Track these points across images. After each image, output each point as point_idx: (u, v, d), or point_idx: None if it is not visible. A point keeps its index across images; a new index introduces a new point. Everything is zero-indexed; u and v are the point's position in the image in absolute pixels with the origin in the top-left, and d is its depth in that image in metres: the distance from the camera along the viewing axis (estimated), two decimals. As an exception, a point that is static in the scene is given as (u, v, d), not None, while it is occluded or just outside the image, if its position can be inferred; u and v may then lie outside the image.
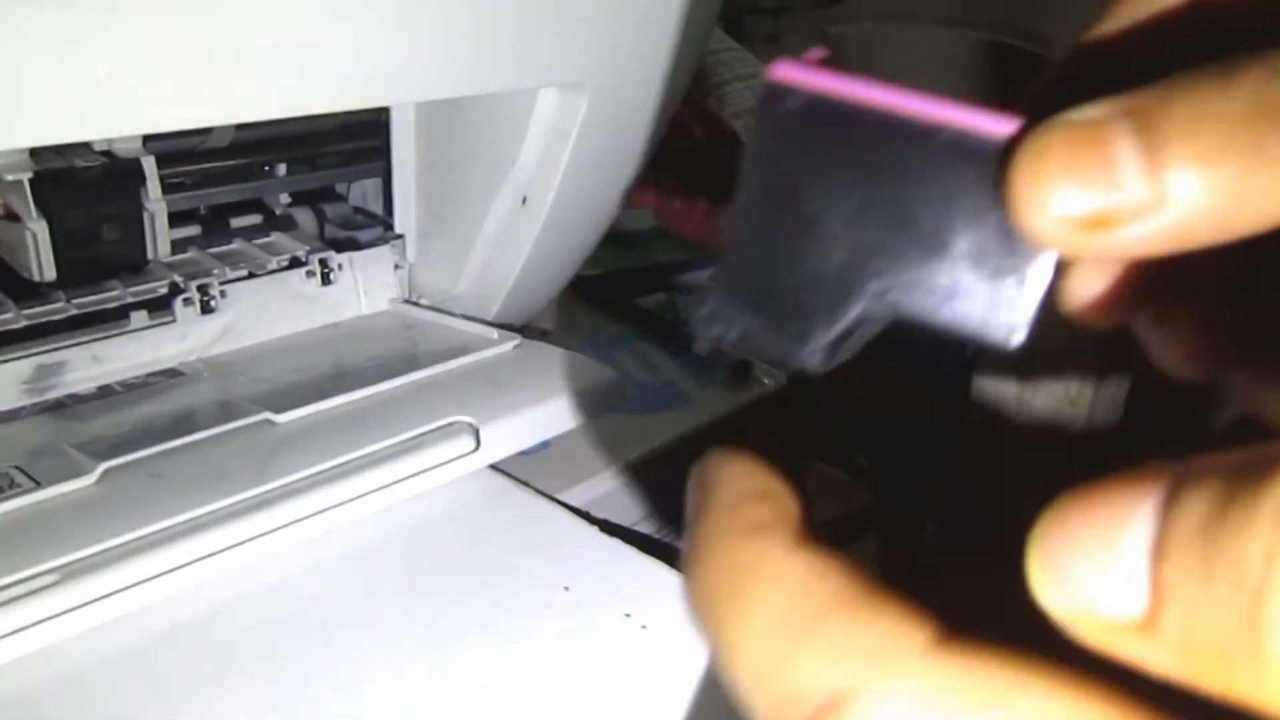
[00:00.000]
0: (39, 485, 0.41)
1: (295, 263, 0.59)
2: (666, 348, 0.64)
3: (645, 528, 0.54)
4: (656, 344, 0.63)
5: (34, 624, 0.36)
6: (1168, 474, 0.12)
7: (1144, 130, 0.14)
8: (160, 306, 0.54)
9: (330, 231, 0.64)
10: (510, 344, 0.54)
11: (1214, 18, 0.17)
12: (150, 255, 0.54)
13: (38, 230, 0.49)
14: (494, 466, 0.49)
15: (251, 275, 0.57)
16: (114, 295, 0.53)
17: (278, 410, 0.47)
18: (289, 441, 0.45)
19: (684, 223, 0.93)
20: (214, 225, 0.60)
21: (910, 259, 0.17)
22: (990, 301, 0.17)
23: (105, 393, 0.51)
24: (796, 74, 0.18)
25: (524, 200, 0.54)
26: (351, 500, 0.43)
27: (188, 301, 0.54)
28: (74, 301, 0.52)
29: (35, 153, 0.49)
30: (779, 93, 0.18)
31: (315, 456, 0.44)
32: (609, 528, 0.46)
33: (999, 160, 0.16)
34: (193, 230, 0.59)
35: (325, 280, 0.59)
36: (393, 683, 0.37)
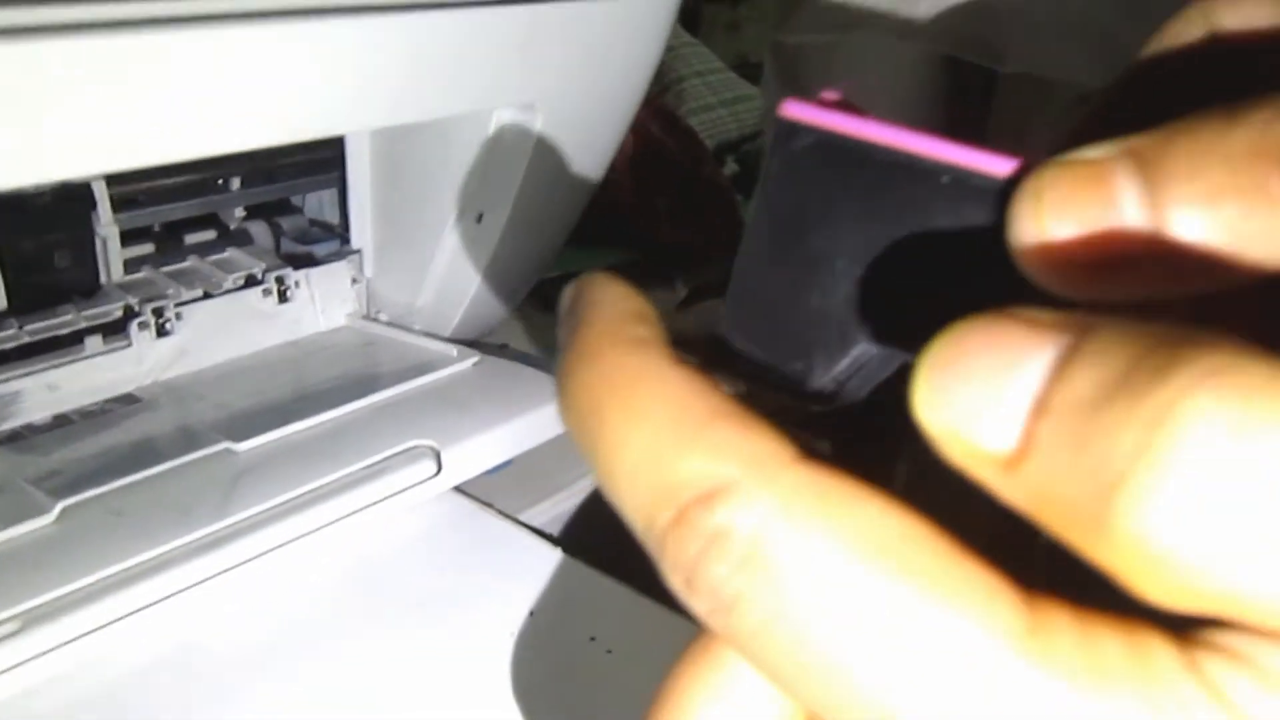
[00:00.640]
0: (-4, 526, 0.41)
1: (251, 281, 0.58)
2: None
3: (608, 545, 0.55)
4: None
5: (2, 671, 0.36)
6: (1071, 328, 0.12)
7: (1145, 169, 0.14)
8: (115, 330, 0.53)
9: (286, 246, 0.64)
10: (469, 361, 0.54)
11: (1237, 61, 0.17)
12: (103, 279, 0.54)
13: (-13, 259, 0.48)
14: (455, 487, 0.49)
15: (207, 295, 0.56)
16: (67, 321, 0.52)
17: (238, 439, 0.47)
18: (250, 471, 0.45)
19: (645, 224, 0.93)
20: (168, 242, 0.60)
21: (912, 300, 0.17)
22: None
23: (61, 422, 0.50)
24: (808, 113, 0.18)
25: (479, 217, 0.54)
26: (313, 531, 0.43)
27: (143, 325, 0.53)
28: (26, 329, 0.52)
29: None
30: (790, 130, 0.18)
31: (276, 487, 0.44)
32: (572, 548, 0.46)
33: (1001, 200, 0.16)
34: (146, 248, 0.58)
35: (282, 298, 0.58)
36: (359, 712, 0.37)
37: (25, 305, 0.51)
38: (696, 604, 0.14)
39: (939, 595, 0.13)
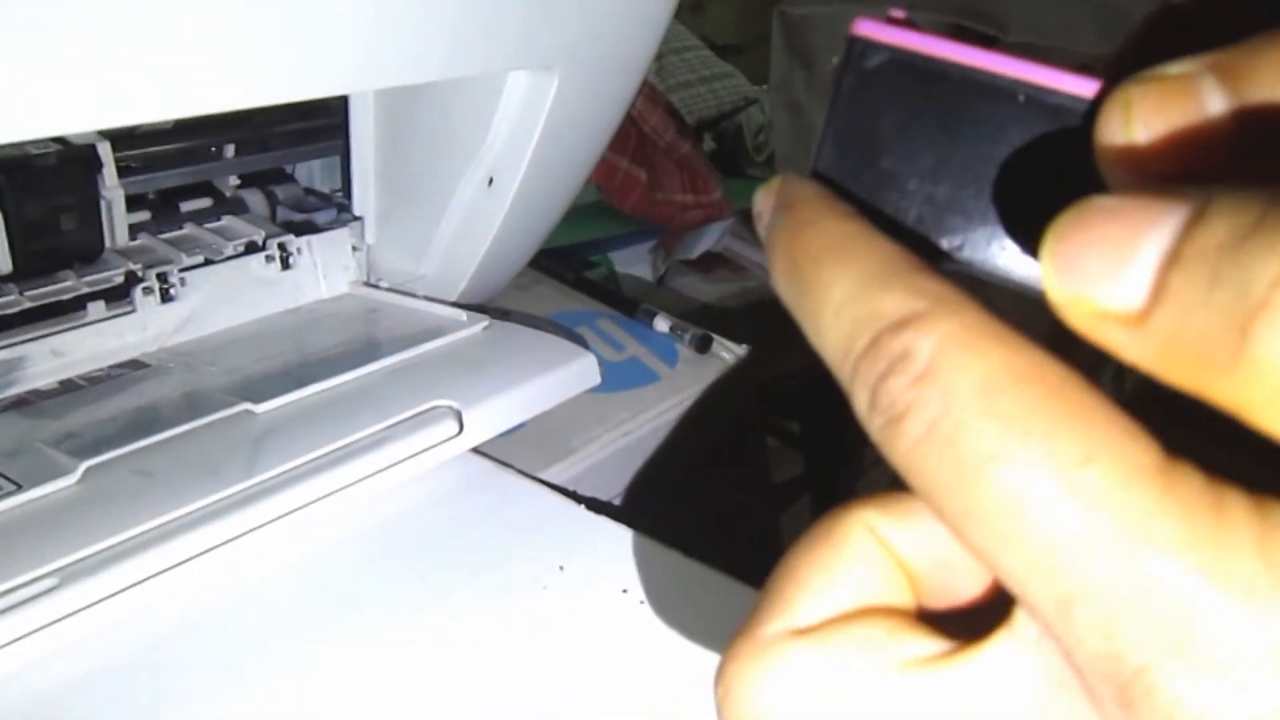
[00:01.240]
0: (20, 488, 0.40)
1: (253, 247, 0.58)
2: (630, 320, 0.65)
3: (625, 505, 0.55)
4: (619, 321, 0.64)
5: (37, 629, 0.35)
6: (1196, 196, 0.13)
7: (1232, 80, 0.14)
8: (118, 296, 0.53)
9: (282, 214, 0.63)
10: (480, 325, 0.55)
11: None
12: (107, 244, 0.53)
13: (-7, 222, 0.48)
14: (473, 448, 0.49)
15: (209, 262, 0.56)
16: (69, 286, 0.52)
17: (256, 400, 0.47)
18: (273, 432, 0.45)
19: (625, 197, 0.93)
20: (163, 210, 0.59)
21: (986, 216, 0.18)
22: None
23: (69, 387, 0.50)
24: (882, 31, 0.18)
25: (490, 181, 0.54)
26: (343, 489, 0.43)
27: (147, 290, 0.53)
28: (27, 294, 0.51)
29: (-13, 141, 0.47)
30: (863, 49, 0.18)
31: (302, 446, 0.44)
32: (595, 505, 0.46)
33: (1081, 117, 0.16)
34: (143, 216, 0.57)
35: (285, 264, 0.58)
36: (400, 670, 0.38)
37: (31, 269, 0.50)
38: (874, 420, 0.15)
39: (1081, 420, 0.14)
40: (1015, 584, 0.14)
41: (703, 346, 0.62)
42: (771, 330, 1.01)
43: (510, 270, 0.60)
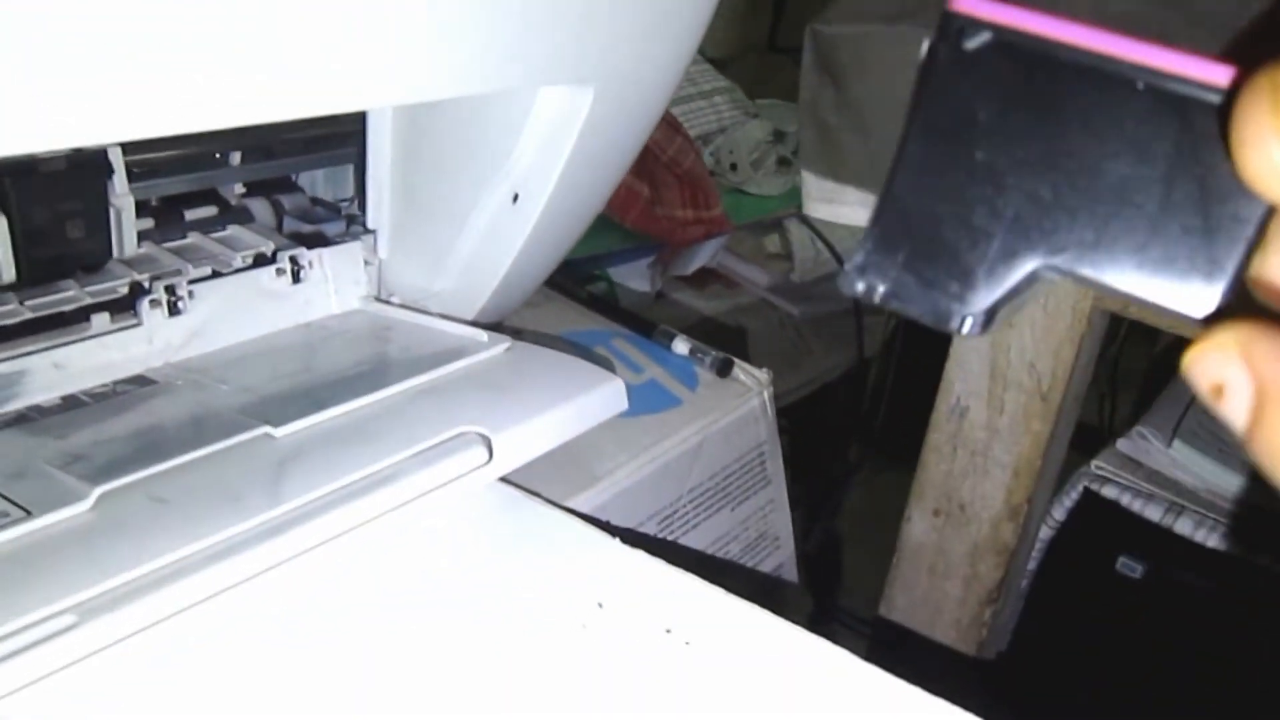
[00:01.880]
0: (29, 514, 0.38)
1: (262, 259, 0.55)
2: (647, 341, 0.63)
3: (659, 538, 0.53)
4: (634, 341, 0.62)
5: (57, 669, 0.33)
6: None
7: None
8: (122, 308, 0.50)
9: (289, 224, 0.61)
10: (502, 346, 0.53)
11: None
12: (115, 253, 0.50)
13: (-3, 228, 0.45)
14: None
15: (218, 274, 0.53)
16: (71, 296, 0.49)
17: (275, 423, 0.44)
18: (295, 457, 0.43)
19: (626, 212, 0.92)
20: (167, 218, 0.56)
21: (1093, 215, 0.16)
22: (1186, 267, 0.15)
23: (72, 403, 0.47)
24: (982, 8, 0.16)
25: (515, 197, 0.52)
26: (372, 519, 0.41)
27: (154, 303, 0.50)
28: (28, 304, 0.48)
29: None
30: (960, 28, 0.16)
31: (328, 473, 0.42)
32: (631, 538, 0.45)
33: (1213, 109, 0.15)
34: (146, 224, 0.55)
35: (296, 278, 0.55)
36: (435, 715, 0.36)
37: (34, 277, 0.47)
38: None
39: None
40: None
41: (724, 370, 0.60)
42: (760, 347, 1.00)
43: (529, 289, 0.58)
